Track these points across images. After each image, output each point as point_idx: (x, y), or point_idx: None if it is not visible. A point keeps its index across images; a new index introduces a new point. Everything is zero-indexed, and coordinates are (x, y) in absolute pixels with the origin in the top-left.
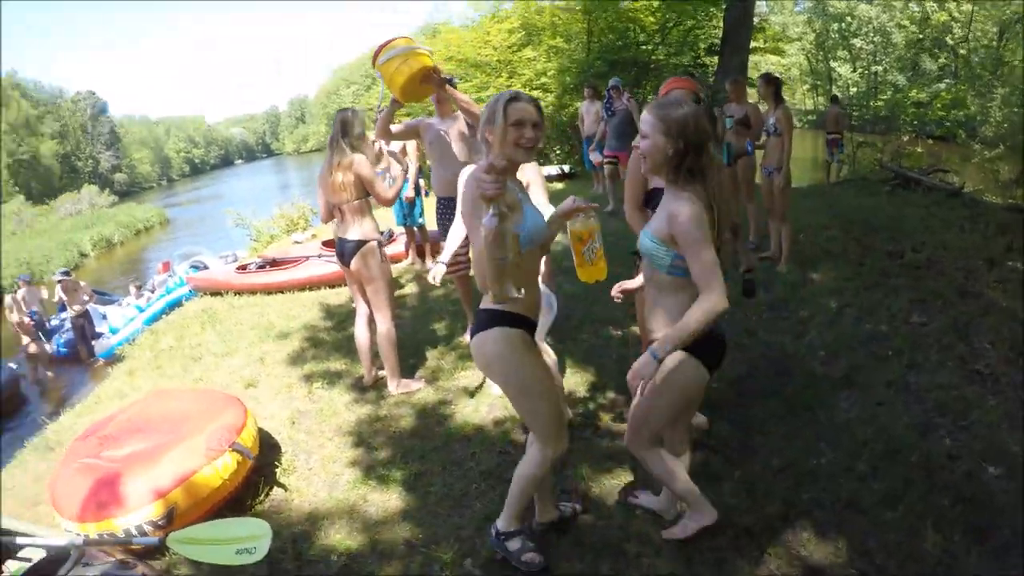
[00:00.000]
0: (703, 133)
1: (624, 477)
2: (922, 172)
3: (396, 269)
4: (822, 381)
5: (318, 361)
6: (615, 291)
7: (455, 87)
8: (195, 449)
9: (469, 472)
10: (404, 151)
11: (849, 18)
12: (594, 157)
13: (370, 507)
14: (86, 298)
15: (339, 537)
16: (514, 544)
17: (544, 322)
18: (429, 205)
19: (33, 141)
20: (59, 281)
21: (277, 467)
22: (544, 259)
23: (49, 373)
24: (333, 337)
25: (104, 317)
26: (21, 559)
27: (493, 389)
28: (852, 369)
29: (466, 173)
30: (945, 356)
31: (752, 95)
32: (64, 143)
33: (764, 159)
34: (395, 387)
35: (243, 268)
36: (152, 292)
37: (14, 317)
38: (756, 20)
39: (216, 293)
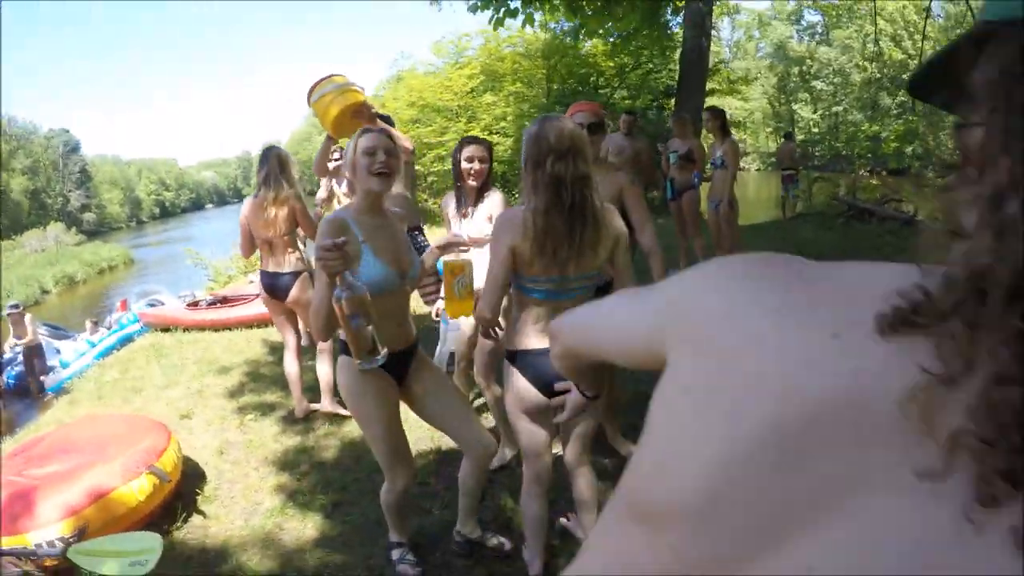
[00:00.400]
0: (538, 149)
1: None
2: (876, 203)
3: None
4: None
5: (254, 394)
6: None
7: (392, 124)
8: (112, 470)
9: None
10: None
11: (809, 60)
12: None
13: (285, 535)
14: (32, 331)
15: (251, 564)
16: (395, 554)
17: (438, 352)
18: None
19: (3, 176)
20: (8, 314)
21: (199, 495)
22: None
23: None
24: (272, 371)
25: (57, 352)
26: None
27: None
28: None
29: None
30: None
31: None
32: (35, 179)
33: (710, 192)
34: (328, 403)
35: (194, 305)
36: (108, 328)
37: None
38: (714, 64)
39: (166, 329)
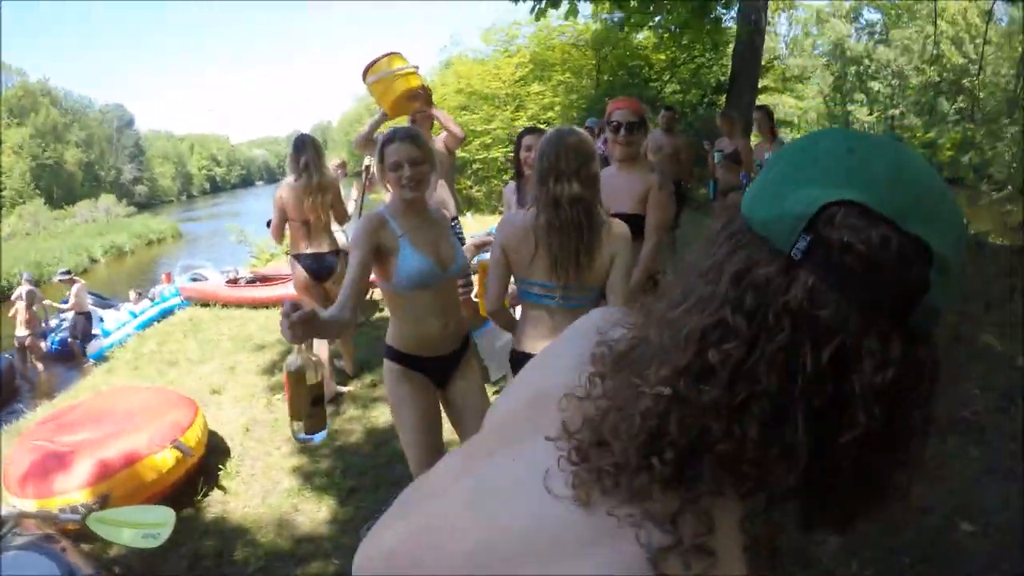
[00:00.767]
0: (542, 166)
1: None
2: None
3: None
4: None
5: None
6: None
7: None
8: (138, 442)
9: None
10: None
11: (867, 60)
12: None
13: (299, 516)
14: (83, 299)
15: (264, 541)
16: None
17: (493, 357)
18: None
19: (59, 147)
20: (60, 280)
21: (221, 470)
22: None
23: (40, 366)
24: None
25: (101, 320)
26: None
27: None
28: None
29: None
30: None
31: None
32: (89, 152)
33: None
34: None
35: (233, 282)
36: (151, 300)
37: (21, 309)
38: (768, 60)
39: (206, 304)
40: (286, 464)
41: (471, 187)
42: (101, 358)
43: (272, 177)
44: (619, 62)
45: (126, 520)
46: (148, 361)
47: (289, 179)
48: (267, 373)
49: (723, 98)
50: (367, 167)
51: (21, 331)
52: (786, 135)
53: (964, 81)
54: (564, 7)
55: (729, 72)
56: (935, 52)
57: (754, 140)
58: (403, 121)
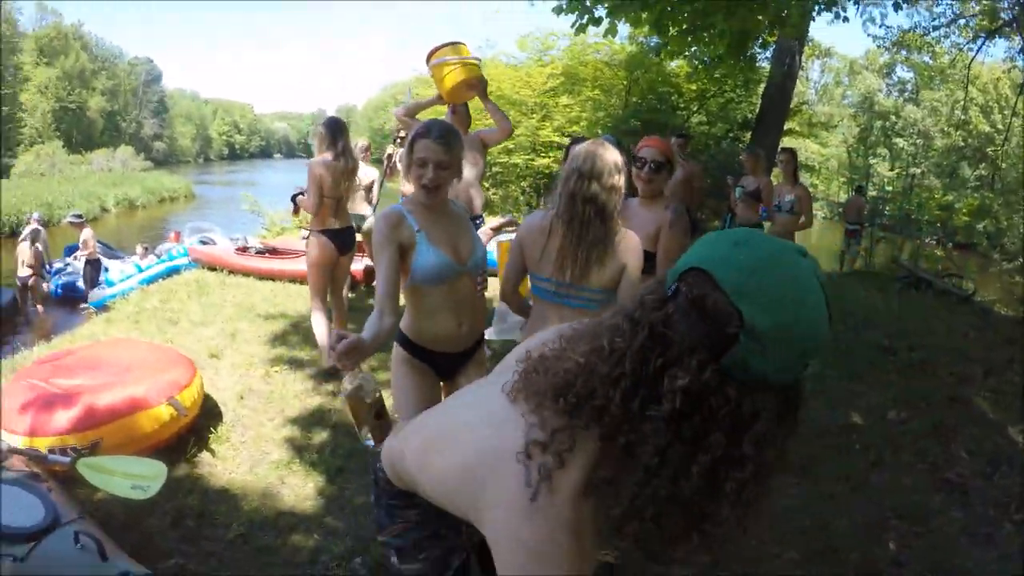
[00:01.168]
0: (569, 167)
1: None
2: (936, 275)
3: None
4: None
5: (285, 347)
6: None
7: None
8: (134, 394)
9: None
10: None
11: (894, 117)
12: None
13: (285, 488)
14: (93, 245)
15: (248, 508)
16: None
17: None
18: None
19: (84, 93)
20: (70, 222)
21: (211, 433)
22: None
23: (40, 308)
24: (307, 329)
25: (106, 269)
26: None
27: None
28: (810, 458)
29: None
30: (917, 459)
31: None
32: (113, 101)
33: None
34: (327, 360)
35: (243, 250)
36: (157, 256)
37: (25, 248)
38: (797, 103)
39: (213, 268)
40: (277, 436)
41: (488, 189)
42: (102, 307)
43: (291, 151)
44: (650, 86)
45: (115, 469)
46: (149, 317)
47: (326, 156)
48: (267, 345)
49: (748, 135)
50: (389, 155)
51: (24, 271)
52: (805, 179)
53: (988, 149)
54: (604, 25)
55: (757, 110)
56: (963, 117)
57: (774, 179)
58: (442, 112)
